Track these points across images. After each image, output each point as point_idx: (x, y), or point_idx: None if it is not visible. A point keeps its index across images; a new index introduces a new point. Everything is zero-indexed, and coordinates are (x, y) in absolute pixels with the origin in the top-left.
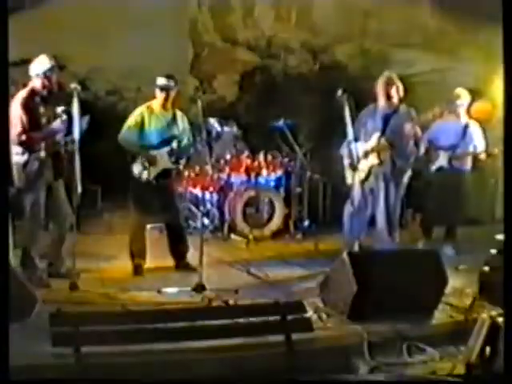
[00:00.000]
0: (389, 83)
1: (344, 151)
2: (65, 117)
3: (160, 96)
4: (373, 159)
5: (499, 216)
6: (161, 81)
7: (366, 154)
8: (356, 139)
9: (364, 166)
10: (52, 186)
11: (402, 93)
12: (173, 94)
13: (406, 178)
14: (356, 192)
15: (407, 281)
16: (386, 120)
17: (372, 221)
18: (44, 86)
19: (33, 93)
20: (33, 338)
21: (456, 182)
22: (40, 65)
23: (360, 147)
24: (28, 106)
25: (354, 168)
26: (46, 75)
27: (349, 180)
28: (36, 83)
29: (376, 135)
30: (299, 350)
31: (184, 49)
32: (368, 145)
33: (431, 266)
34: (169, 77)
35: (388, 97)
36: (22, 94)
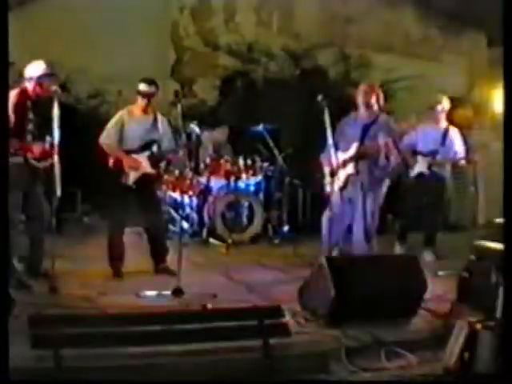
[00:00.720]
0: (369, 92)
1: (324, 159)
2: (46, 145)
3: (141, 101)
4: (350, 168)
5: (480, 222)
6: (142, 87)
7: (345, 163)
8: (336, 147)
9: (342, 174)
10: (30, 189)
11: (382, 101)
12: (154, 99)
13: (384, 187)
14: (334, 199)
15: (386, 286)
16: (366, 129)
17: (350, 228)
18: (35, 91)
19: (23, 96)
20: (11, 341)
21: (435, 187)
22: (35, 69)
23: (339, 156)
24: (15, 109)
25: (332, 176)
26: (40, 81)
27: (327, 187)
28: (28, 87)
29: (355, 145)
30: (277, 354)
31: (165, 52)
32: (347, 154)
33: (410, 271)
34: (150, 82)
35: (368, 106)
36: (12, 97)
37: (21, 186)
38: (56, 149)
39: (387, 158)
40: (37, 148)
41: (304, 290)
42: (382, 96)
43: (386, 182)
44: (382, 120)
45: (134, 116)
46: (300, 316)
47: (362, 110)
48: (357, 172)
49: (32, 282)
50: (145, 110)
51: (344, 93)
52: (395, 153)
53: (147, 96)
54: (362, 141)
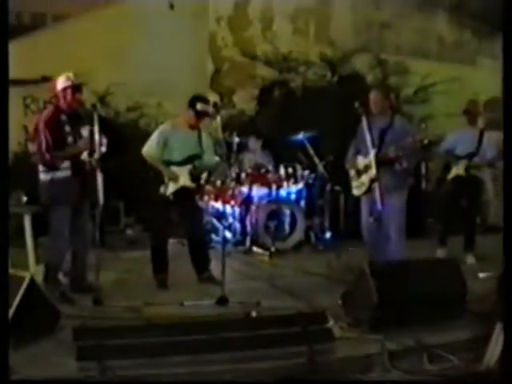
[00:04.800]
0: (379, 100)
1: (348, 163)
2: (86, 134)
3: (191, 118)
4: (372, 173)
5: None
6: (200, 106)
7: (366, 168)
8: (358, 152)
9: (365, 179)
10: (78, 204)
11: (393, 105)
12: (207, 119)
13: (406, 188)
14: (363, 204)
15: (427, 290)
16: (382, 135)
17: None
18: (65, 104)
19: (57, 111)
20: (57, 353)
21: (473, 190)
22: (59, 83)
23: (361, 160)
24: (51, 124)
25: (357, 179)
26: (64, 93)
27: (355, 192)
28: (60, 101)
29: (374, 150)
30: (321, 359)
31: (204, 63)
32: (367, 159)
33: (451, 274)
34: (207, 101)
35: (381, 112)
36: (47, 112)
37: (69, 200)
38: (98, 162)
39: (401, 164)
40: (81, 142)
41: (347, 295)
42: (393, 100)
43: (409, 182)
44: (397, 124)
45: (179, 129)
46: (343, 321)
47: (376, 115)
48: (378, 176)
49: (76, 296)
50: (192, 126)
51: None
52: (409, 157)
53: (203, 115)
54: (380, 146)
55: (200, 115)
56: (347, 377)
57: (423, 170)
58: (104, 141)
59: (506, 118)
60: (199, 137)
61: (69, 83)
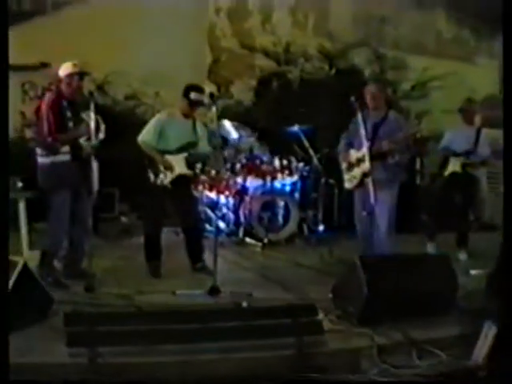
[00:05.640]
0: (376, 94)
1: (340, 155)
2: (89, 119)
3: (186, 107)
4: (364, 167)
5: None
6: (194, 96)
7: (359, 161)
8: (351, 145)
9: (357, 173)
10: (78, 189)
11: (389, 100)
12: (201, 109)
13: (398, 182)
14: (356, 197)
15: (418, 285)
16: (376, 129)
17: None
18: (69, 91)
19: (60, 96)
20: (49, 338)
21: (468, 187)
22: (63, 70)
23: (353, 154)
24: (55, 107)
25: (348, 173)
26: (68, 80)
27: (346, 184)
28: (62, 87)
29: (367, 144)
30: (310, 351)
31: (202, 54)
32: (360, 152)
33: (443, 270)
34: (201, 90)
35: (376, 107)
36: (49, 96)
37: (70, 184)
38: (93, 149)
39: (393, 157)
40: (83, 126)
41: (338, 288)
42: (389, 95)
43: (401, 177)
44: (391, 119)
45: (175, 118)
46: (333, 314)
47: (371, 110)
48: (371, 170)
49: (69, 282)
50: (186, 115)
51: None
52: (401, 151)
53: (197, 104)
54: (373, 140)
55: (194, 104)
56: (335, 369)
57: (418, 166)
58: (102, 127)
59: (505, 117)
60: (194, 125)
61: (76, 70)
